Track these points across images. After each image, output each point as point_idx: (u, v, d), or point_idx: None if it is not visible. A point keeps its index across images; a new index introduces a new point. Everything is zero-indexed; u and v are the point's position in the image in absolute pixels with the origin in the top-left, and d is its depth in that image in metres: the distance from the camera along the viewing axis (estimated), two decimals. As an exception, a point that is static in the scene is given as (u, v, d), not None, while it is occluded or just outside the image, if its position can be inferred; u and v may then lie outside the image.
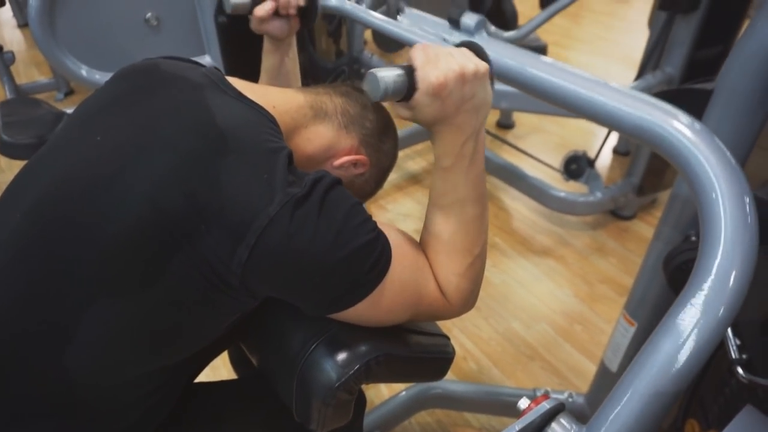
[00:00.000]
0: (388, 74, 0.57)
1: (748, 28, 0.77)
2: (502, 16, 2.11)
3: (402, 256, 0.62)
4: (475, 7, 1.85)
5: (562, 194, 2.06)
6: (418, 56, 0.59)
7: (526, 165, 2.21)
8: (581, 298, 1.82)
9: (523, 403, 0.60)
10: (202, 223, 0.52)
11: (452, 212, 0.65)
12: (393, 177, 2.41)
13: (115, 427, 0.63)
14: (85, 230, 0.54)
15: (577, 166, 2.00)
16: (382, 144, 0.80)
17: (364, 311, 0.60)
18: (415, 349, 0.68)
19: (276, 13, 0.90)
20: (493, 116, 2.80)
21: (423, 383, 1.32)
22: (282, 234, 0.53)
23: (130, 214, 0.53)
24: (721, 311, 0.46)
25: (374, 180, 0.83)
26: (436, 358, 0.72)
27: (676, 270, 0.89)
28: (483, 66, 0.62)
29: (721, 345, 0.68)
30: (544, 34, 3.81)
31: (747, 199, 0.51)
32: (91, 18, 1.28)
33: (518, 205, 2.24)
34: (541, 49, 2.31)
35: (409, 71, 0.59)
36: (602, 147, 1.93)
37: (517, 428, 0.56)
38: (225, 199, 0.52)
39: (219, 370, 1.27)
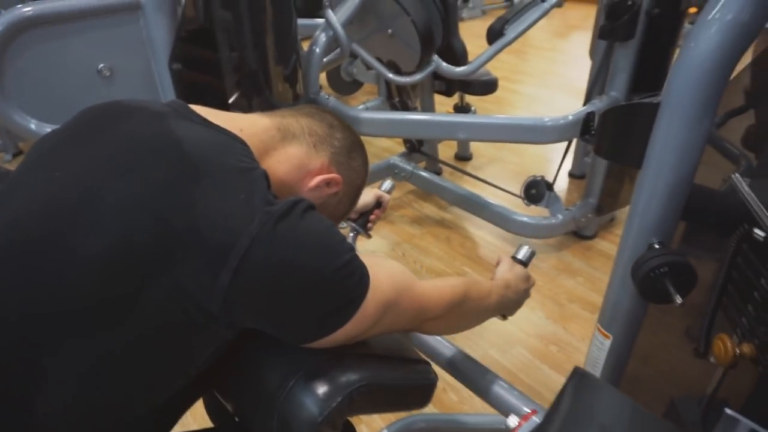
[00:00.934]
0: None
1: (686, 40, 0.82)
2: (452, 53, 2.18)
3: (373, 266, 0.63)
4: (426, 46, 1.91)
5: (525, 218, 2.10)
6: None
7: (488, 194, 2.26)
8: (554, 319, 1.83)
9: (512, 420, 0.60)
10: (179, 250, 0.50)
11: (484, 289, 0.84)
12: (358, 215, 2.41)
13: None
14: (57, 267, 0.51)
15: (536, 190, 2.05)
16: (351, 161, 0.80)
17: (349, 330, 0.59)
18: (397, 377, 0.66)
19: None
20: (451, 149, 2.87)
21: (404, 419, 1.29)
22: (266, 252, 0.52)
23: (103, 250, 0.50)
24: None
25: (348, 199, 0.83)
26: (419, 385, 0.70)
27: (644, 278, 0.91)
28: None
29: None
30: (494, 70, 3.97)
31: None
32: (41, 72, 1.25)
33: (483, 233, 2.27)
34: (492, 83, 2.40)
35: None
36: (559, 170, 1.99)
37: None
38: (202, 224, 0.51)
39: (189, 426, 1.20)
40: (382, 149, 2.88)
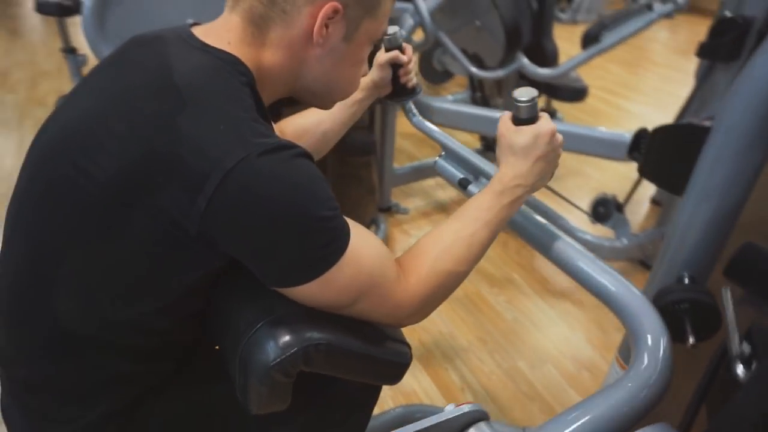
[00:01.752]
0: (526, 94, 0.74)
1: (746, 67, 0.75)
2: (541, 54, 2.11)
3: (358, 240, 0.63)
4: (510, 42, 1.87)
5: (588, 236, 2.00)
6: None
7: (556, 204, 2.18)
8: (594, 344, 1.75)
9: (449, 408, 0.60)
10: (161, 175, 0.55)
11: (469, 225, 0.72)
12: (420, 204, 2.43)
13: (103, 378, 0.67)
14: (67, 191, 0.59)
15: (605, 209, 1.95)
16: None
17: (315, 291, 0.61)
18: (363, 346, 0.68)
19: (395, 72, 0.98)
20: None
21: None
22: (240, 185, 0.54)
23: (102, 174, 0.57)
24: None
25: (366, 11, 0.68)
26: (389, 361, 0.71)
27: (663, 310, 0.86)
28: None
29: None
30: (598, 80, 3.79)
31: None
32: (139, 21, 1.38)
33: (542, 244, 2.20)
34: (581, 91, 2.30)
35: (537, 109, 0.75)
36: (632, 192, 1.88)
37: (435, 422, 0.56)
38: (184, 151, 0.55)
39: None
40: (461, 142, 2.86)
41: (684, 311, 0.84)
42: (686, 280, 0.88)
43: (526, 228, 0.86)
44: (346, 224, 0.63)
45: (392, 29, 0.99)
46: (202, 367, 0.76)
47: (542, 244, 0.82)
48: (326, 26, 0.65)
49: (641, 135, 1.50)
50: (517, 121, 0.76)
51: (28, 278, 0.64)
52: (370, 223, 2.13)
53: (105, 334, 0.64)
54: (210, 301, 0.71)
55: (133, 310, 0.63)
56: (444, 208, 2.40)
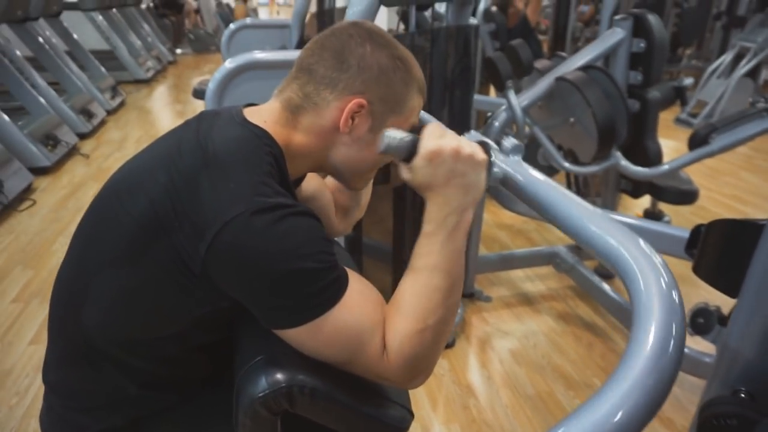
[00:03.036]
0: (396, 135, 0.73)
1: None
2: (643, 153, 2.05)
3: (355, 298, 0.67)
4: (603, 139, 1.85)
5: (685, 350, 1.80)
6: (427, 129, 0.72)
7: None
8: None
9: None
10: (177, 219, 0.66)
11: (420, 276, 0.70)
12: (504, 293, 2.37)
13: (114, 395, 0.77)
14: (112, 219, 0.73)
15: (705, 320, 1.75)
16: (383, 76, 0.74)
17: (304, 337, 0.66)
18: (354, 401, 0.69)
19: None
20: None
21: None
22: (233, 236, 0.63)
23: (137, 211, 0.70)
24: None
25: (389, 109, 0.76)
26: (381, 422, 0.71)
27: (705, 422, 0.76)
28: (480, 154, 0.71)
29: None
30: (726, 187, 3.51)
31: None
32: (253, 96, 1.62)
33: (634, 353, 2.00)
34: (690, 194, 2.16)
35: (415, 139, 0.72)
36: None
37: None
38: (198, 204, 0.65)
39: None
40: (557, 237, 2.77)
41: (731, 428, 0.73)
42: (742, 395, 0.77)
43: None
44: (341, 277, 0.67)
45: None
46: (207, 403, 0.83)
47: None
48: (352, 119, 0.75)
49: (698, 231, 1.37)
50: (404, 161, 0.73)
51: (69, 289, 0.77)
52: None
53: (122, 353, 0.74)
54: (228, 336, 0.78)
55: (147, 334, 0.73)
56: (530, 301, 2.32)
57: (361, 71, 0.74)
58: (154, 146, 0.79)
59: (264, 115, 0.77)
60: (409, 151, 0.72)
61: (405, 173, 0.73)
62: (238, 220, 0.63)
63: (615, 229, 0.68)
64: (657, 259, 0.62)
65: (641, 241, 0.65)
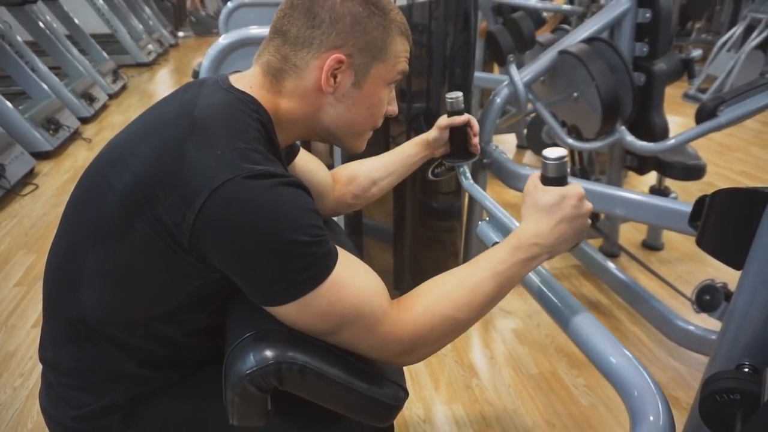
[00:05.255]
0: (563, 154, 0.73)
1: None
2: (649, 128, 2.00)
3: (345, 274, 0.66)
4: (607, 114, 1.81)
5: (690, 327, 1.77)
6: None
7: (657, 289, 1.98)
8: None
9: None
10: (161, 190, 0.63)
11: (480, 273, 0.72)
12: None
13: (114, 373, 0.75)
14: (99, 195, 0.71)
15: (711, 297, 1.72)
16: (357, 25, 0.72)
17: (294, 314, 0.64)
18: (346, 377, 0.68)
19: (454, 135, 1.07)
20: (641, 234, 2.58)
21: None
22: (222, 203, 0.60)
23: (122, 185, 0.67)
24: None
25: (371, 57, 0.74)
26: (373, 399, 0.70)
27: (708, 398, 0.74)
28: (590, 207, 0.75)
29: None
30: (736, 163, 3.45)
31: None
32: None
33: (638, 331, 1.99)
34: (697, 169, 2.11)
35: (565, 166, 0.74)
36: (745, 281, 1.65)
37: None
38: (184, 172, 0.63)
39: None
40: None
41: (735, 403, 0.71)
42: (746, 369, 0.75)
43: (549, 299, 0.82)
44: (332, 252, 0.65)
45: (454, 94, 1.05)
46: (207, 380, 0.81)
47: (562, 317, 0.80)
48: (334, 76, 0.73)
49: (701, 202, 1.33)
50: (545, 181, 0.74)
51: (61, 268, 0.75)
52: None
53: (119, 332, 0.73)
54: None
55: (141, 312, 0.71)
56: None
57: (333, 24, 0.71)
58: (139, 119, 0.77)
59: (249, 80, 0.75)
60: (558, 175, 0.73)
61: (536, 188, 0.74)
62: (227, 185, 0.60)
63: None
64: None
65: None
